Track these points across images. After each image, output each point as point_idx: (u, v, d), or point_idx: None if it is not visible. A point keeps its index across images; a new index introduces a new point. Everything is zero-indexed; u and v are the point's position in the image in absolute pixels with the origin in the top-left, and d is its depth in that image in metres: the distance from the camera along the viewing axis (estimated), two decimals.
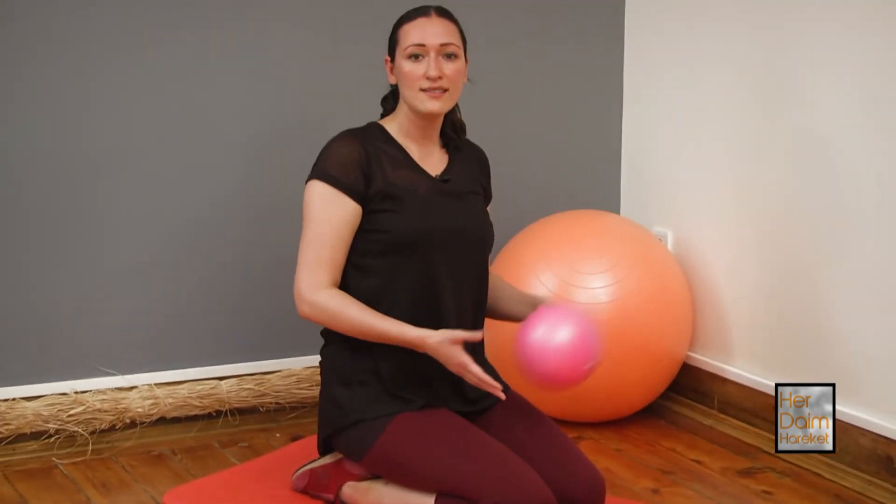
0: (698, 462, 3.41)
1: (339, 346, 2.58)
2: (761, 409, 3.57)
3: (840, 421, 3.19)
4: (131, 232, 3.44)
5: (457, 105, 2.68)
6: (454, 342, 2.41)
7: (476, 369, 2.40)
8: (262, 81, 3.54)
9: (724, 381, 3.71)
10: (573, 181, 4.01)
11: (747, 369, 3.64)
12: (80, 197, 3.38)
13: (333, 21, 3.61)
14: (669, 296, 3.59)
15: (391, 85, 2.64)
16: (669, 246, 3.87)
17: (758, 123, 3.54)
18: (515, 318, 2.63)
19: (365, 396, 2.53)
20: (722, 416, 3.71)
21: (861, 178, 3.22)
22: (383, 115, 2.67)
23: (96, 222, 3.40)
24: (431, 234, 2.51)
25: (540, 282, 3.47)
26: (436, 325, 2.49)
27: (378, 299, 2.52)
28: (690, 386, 3.83)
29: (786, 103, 3.43)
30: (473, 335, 2.42)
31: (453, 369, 2.43)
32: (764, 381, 3.56)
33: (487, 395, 2.62)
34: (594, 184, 4.07)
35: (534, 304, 2.61)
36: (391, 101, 2.66)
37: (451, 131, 2.68)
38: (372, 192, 2.51)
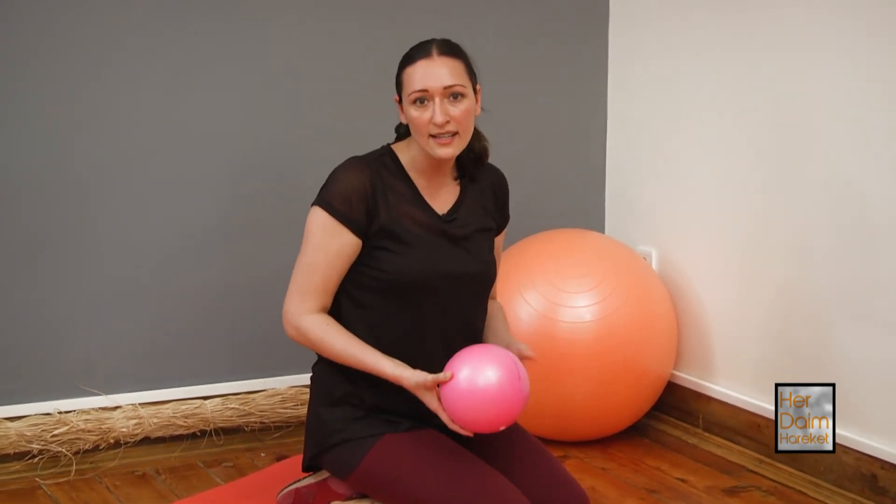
0: (683, 480, 3.41)
1: (327, 363, 2.58)
2: (746, 428, 3.57)
3: None
4: (116, 252, 3.44)
5: (480, 132, 2.63)
6: (428, 388, 2.39)
7: (446, 417, 2.39)
8: (253, 101, 3.54)
9: (709, 399, 3.71)
10: (557, 200, 4.02)
11: (732, 388, 3.65)
12: (65, 218, 3.37)
13: (326, 39, 3.61)
14: (654, 315, 3.60)
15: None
16: (654, 265, 3.88)
17: (742, 144, 3.55)
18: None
19: (352, 416, 2.52)
20: (707, 434, 3.72)
21: (844, 196, 3.24)
22: (397, 139, 2.64)
23: (80, 243, 3.40)
24: (429, 280, 2.49)
25: (525, 300, 3.48)
26: (422, 365, 2.47)
27: (368, 332, 2.51)
28: (675, 405, 3.83)
29: (771, 125, 3.45)
30: (445, 377, 2.37)
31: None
32: (748, 400, 3.56)
33: None
34: (578, 203, 4.08)
35: (502, 342, 2.58)
36: (404, 126, 2.62)
37: (470, 160, 2.63)
38: (374, 228, 2.50)
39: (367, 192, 2.49)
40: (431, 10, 3.69)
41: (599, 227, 4.09)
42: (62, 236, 3.38)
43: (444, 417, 2.39)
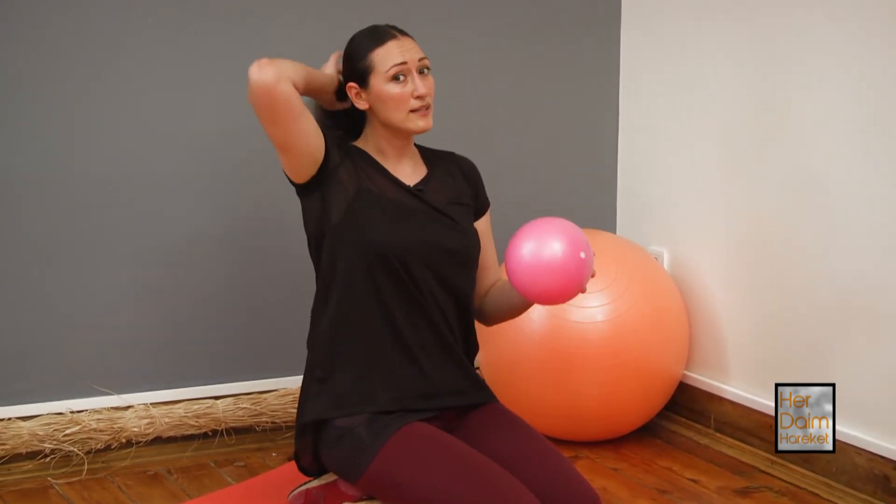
0: (695, 481, 3.40)
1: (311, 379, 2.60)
2: (758, 428, 3.57)
3: (837, 440, 3.19)
4: (127, 252, 3.44)
5: None
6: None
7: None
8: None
9: (721, 399, 3.71)
10: (569, 200, 4.02)
11: (744, 388, 3.64)
12: (77, 217, 3.38)
13: (326, 40, 3.60)
14: (665, 315, 3.60)
15: (353, 110, 2.64)
16: (665, 265, 3.87)
17: (754, 144, 3.55)
18: (515, 302, 2.65)
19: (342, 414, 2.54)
20: (718, 434, 3.71)
21: (855, 198, 3.23)
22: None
23: (92, 243, 3.40)
24: (410, 246, 2.51)
25: None
26: (424, 335, 2.52)
27: (366, 315, 2.52)
28: (687, 405, 3.83)
29: (782, 125, 3.44)
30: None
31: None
32: (760, 400, 3.56)
33: (458, 393, 2.62)
34: (590, 203, 4.07)
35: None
36: (347, 122, 2.66)
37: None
38: (342, 176, 2.52)
39: (342, 148, 2.56)
40: (438, 11, 3.69)
41: (611, 226, 4.09)
42: (74, 237, 3.38)
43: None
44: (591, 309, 3.47)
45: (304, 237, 2.64)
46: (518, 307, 2.67)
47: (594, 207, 4.08)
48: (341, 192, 2.53)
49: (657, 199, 3.94)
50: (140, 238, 3.45)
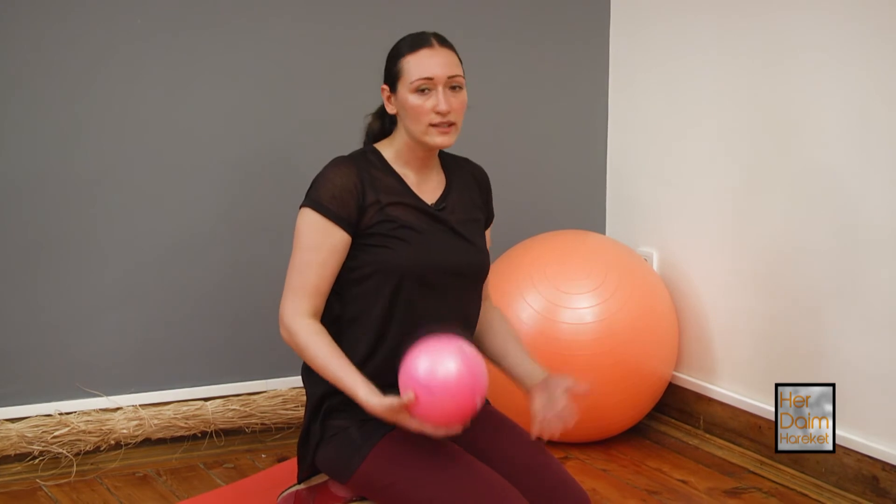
0: (684, 482, 3.41)
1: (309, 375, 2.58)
2: (747, 429, 3.57)
3: None
4: (116, 254, 3.44)
5: None
6: (398, 412, 2.33)
7: (430, 429, 2.33)
8: (252, 105, 3.54)
9: (710, 400, 3.71)
10: (558, 201, 4.02)
11: (733, 389, 3.65)
12: (65, 219, 3.37)
13: (323, 40, 3.61)
14: (655, 316, 3.60)
15: (384, 112, 2.61)
16: (655, 266, 3.88)
17: (743, 145, 3.55)
18: (518, 382, 2.63)
19: (342, 425, 2.52)
20: (708, 435, 3.72)
21: (846, 199, 3.24)
22: (370, 132, 2.65)
23: (81, 244, 3.40)
24: (423, 271, 2.49)
25: (526, 302, 3.48)
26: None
27: (364, 326, 2.50)
28: (676, 406, 3.83)
29: (773, 124, 3.45)
30: (409, 398, 2.29)
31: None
32: (749, 401, 3.56)
33: None
34: (579, 204, 4.08)
35: (538, 379, 2.57)
36: (382, 121, 2.64)
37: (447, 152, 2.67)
38: (364, 223, 2.50)
39: (357, 187, 2.49)
40: (431, 11, 3.70)
41: (600, 228, 4.09)
42: (63, 237, 3.37)
43: (428, 430, 2.35)
44: (580, 310, 3.47)
45: None
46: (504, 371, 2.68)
47: (584, 208, 4.08)
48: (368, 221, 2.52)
49: (647, 200, 3.94)
50: (130, 239, 3.45)
